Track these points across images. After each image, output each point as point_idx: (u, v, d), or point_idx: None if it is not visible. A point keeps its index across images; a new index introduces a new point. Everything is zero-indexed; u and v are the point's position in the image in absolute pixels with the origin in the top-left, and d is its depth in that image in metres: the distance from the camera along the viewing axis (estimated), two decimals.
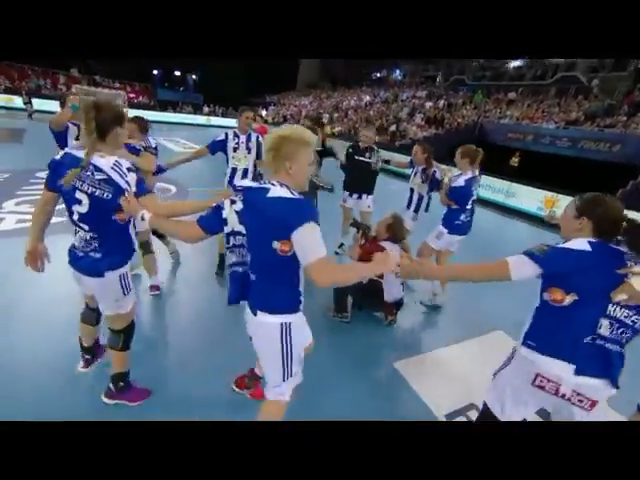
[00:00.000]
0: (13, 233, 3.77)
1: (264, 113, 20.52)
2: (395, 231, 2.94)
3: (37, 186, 5.47)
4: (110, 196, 1.50)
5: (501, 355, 1.57)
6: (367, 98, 21.90)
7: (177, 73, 25.98)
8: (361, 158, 3.81)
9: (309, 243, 1.20)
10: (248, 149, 3.22)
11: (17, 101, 16.14)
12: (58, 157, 1.54)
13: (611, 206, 1.30)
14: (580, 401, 1.28)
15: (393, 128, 15.74)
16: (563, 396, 1.29)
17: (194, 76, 25.67)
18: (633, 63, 13.88)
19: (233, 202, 1.40)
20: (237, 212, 1.39)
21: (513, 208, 8.52)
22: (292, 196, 1.26)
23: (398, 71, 25.63)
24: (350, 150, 3.92)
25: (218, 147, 3.22)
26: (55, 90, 19.47)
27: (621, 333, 1.26)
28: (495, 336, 3.07)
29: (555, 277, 1.27)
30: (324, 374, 2.36)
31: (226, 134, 3.22)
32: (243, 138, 3.21)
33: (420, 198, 3.60)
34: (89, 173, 1.48)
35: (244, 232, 1.41)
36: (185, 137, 14.20)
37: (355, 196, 4.01)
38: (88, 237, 1.60)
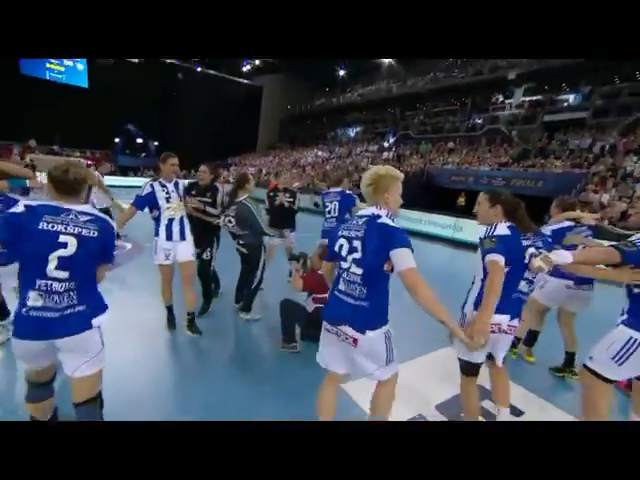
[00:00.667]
0: None
1: (225, 173, 21.30)
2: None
3: None
4: (96, 234, 1.50)
5: (450, 370, 1.73)
6: (323, 154, 23.53)
7: (139, 140, 26.73)
8: (278, 199, 4.30)
9: (406, 257, 1.49)
10: (180, 196, 3.05)
11: None
12: (19, 210, 1.42)
13: (508, 195, 1.93)
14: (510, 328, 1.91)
15: (355, 177, 16.84)
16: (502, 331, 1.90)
17: (156, 142, 26.49)
18: (540, 117, 16.45)
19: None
20: (346, 237, 1.65)
21: (461, 241, 9.13)
22: (394, 225, 1.56)
23: (351, 130, 28.07)
24: (271, 193, 4.41)
25: (146, 202, 2.92)
26: (9, 160, 19.18)
27: (529, 288, 2.04)
28: (443, 353, 3.12)
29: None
30: (271, 400, 2.28)
31: (152, 186, 2.93)
32: (171, 186, 3.00)
33: None
34: (72, 216, 1.47)
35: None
36: None
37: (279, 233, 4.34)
38: (62, 289, 1.45)
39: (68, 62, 23.53)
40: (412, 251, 1.51)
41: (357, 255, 1.58)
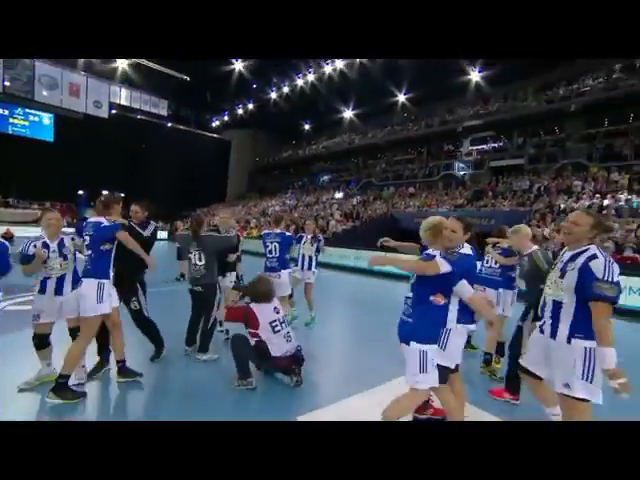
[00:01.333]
0: None
1: (179, 224, 21.00)
2: (253, 291, 3.12)
3: None
4: None
5: None
6: (291, 202, 24.26)
7: (105, 191, 26.40)
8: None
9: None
10: (63, 256, 2.75)
11: None
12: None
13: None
14: None
15: (321, 223, 17.36)
16: None
17: (122, 194, 26.20)
18: (487, 163, 18.33)
19: None
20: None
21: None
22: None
23: (318, 178, 29.39)
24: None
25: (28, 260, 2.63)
26: None
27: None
28: (398, 382, 3.08)
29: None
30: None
31: (35, 246, 2.64)
32: (54, 246, 2.71)
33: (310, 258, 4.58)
34: None
35: None
36: None
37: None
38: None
39: (34, 117, 23.55)
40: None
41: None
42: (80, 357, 2.65)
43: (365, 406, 2.67)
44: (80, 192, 26.03)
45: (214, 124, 32.69)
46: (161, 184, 27.97)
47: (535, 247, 2.84)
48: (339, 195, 22.69)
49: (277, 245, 4.20)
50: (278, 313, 3.03)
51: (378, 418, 2.47)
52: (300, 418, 2.40)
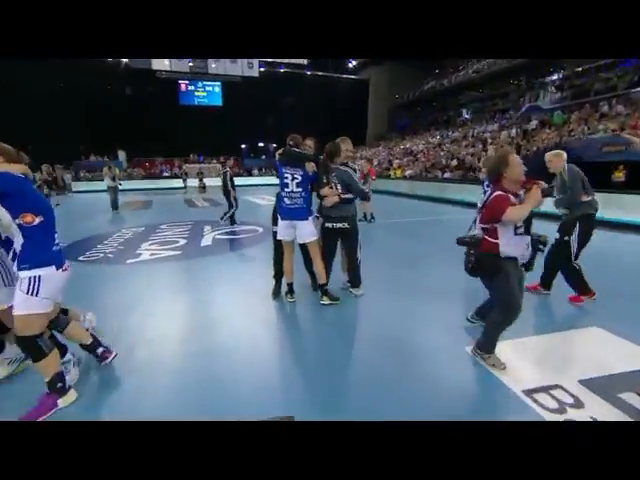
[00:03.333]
0: (149, 262, 4.92)
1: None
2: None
3: (161, 233, 7.02)
4: None
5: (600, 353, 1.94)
6: (435, 140, 22.26)
7: (260, 144, 30.33)
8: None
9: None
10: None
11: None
12: None
13: None
14: None
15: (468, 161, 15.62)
16: None
17: (274, 145, 29.60)
18: None
19: None
20: None
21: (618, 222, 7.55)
22: None
23: (465, 111, 25.77)
24: None
25: None
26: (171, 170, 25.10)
27: None
28: (591, 332, 2.79)
29: None
30: (383, 361, 2.54)
31: None
32: None
33: None
34: None
35: None
36: (268, 193, 16.17)
37: None
38: None
39: (209, 88, 28.21)
40: None
41: None
42: None
43: (542, 347, 2.58)
44: (243, 146, 30.68)
45: (351, 65, 31.96)
46: (302, 131, 30.02)
47: None
48: (492, 127, 19.46)
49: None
50: None
51: (553, 360, 2.39)
52: (468, 349, 2.53)
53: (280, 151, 3.25)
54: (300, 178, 3.14)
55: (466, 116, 25.34)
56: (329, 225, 3.31)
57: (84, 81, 24.82)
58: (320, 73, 31.45)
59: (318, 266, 3.29)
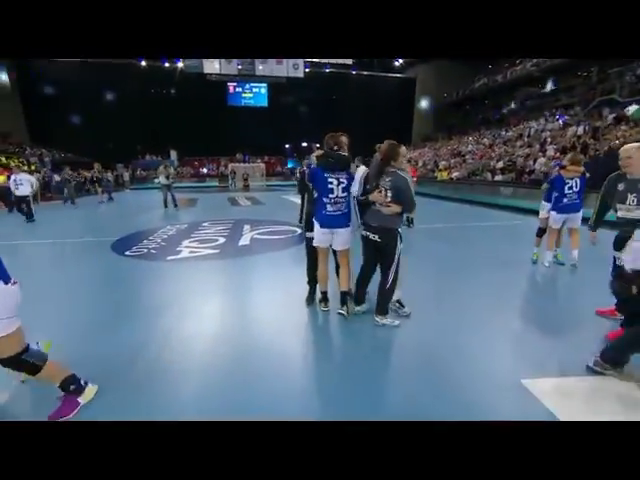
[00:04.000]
0: (188, 260, 5.04)
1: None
2: None
3: (203, 231, 7.22)
4: None
5: None
6: (486, 141, 20.95)
7: (304, 144, 30.69)
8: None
9: None
10: None
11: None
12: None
13: None
14: None
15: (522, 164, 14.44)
16: None
17: (317, 145, 29.73)
18: None
19: None
20: None
21: None
22: None
23: (521, 107, 23.98)
24: None
25: None
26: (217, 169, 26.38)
27: None
28: None
29: None
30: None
31: None
32: None
33: None
34: None
35: None
36: None
37: None
38: None
39: (255, 89, 29.08)
40: None
41: None
42: None
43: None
44: (287, 146, 31.14)
45: (397, 63, 31.16)
46: (350, 132, 29.87)
47: None
48: (552, 126, 17.82)
49: None
50: None
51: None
52: (525, 382, 2.20)
53: (318, 153, 3.04)
54: (346, 182, 2.94)
55: (523, 114, 23.56)
56: (364, 233, 2.98)
57: (142, 85, 26.87)
58: (365, 72, 31.06)
59: (343, 272, 3.13)
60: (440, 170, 18.47)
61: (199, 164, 28.56)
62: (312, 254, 3.25)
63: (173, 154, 27.56)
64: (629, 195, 2.60)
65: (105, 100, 26.96)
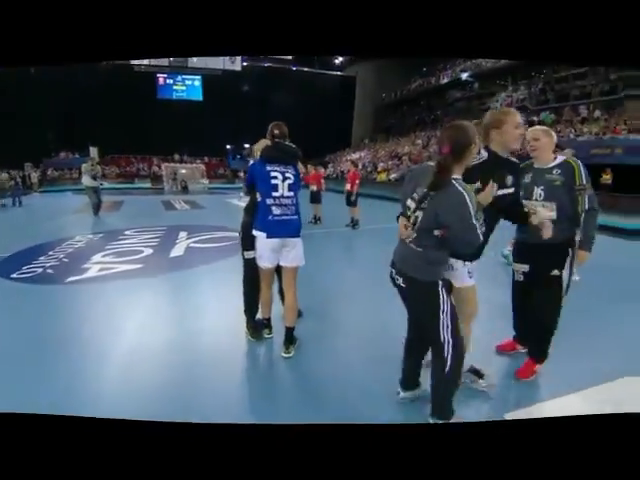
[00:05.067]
0: (96, 280, 4.14)
1: (323, 170, 21.76)
2: None
3: (123, 241, 6.20)
4: None
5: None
6: (420, 142, 21.86)
7: (246, 145, 29.42)
8: None
9: None
10: None
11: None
12: None
13: None
14: None
15: None
16: None
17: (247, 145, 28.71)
18: None
19: None
20: None
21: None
22: None
23: (453, 110, 25.54)
24: None
25: None
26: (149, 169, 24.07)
27: None
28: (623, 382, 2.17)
29: None
30: None
31: None
32: None
33: None
34: None
35: None
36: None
37: None
38: None
39: (188, 82, 27.17)
40: None
41: None
42: None
43: (577, 407, 1.98)
44: (228, 146, 29.56)
45: (337, 60, 31.30)
46: (290, 131, 29.29)
47: None
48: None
49: None
50: None
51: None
52: (507, 416, 1.91)
53: (260, 145, 2.49)
54: (293, 179, 2.42)
55: (454, 115, 25.09)
56: (390, 271, 1.82)
57: (56, 74, 23.35)
58: (306, 69, 30.70)
59: (289, 300, 2.50)
60: (379, 172, 19.02)
61: (126, 163, 25.86)
62: (254, 279, 2.60)
63: (93, 151, 24.20)
64: (535, 188, 2.12)
65: (11, 90, 23.00)
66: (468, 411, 1.89)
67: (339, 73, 31.95)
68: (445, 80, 24.78)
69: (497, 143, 1.83)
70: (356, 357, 2.46)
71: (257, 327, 2.72)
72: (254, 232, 2.43)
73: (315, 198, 8.09)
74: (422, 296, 1.68)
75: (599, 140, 12.43)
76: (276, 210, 2.36)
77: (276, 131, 2.47)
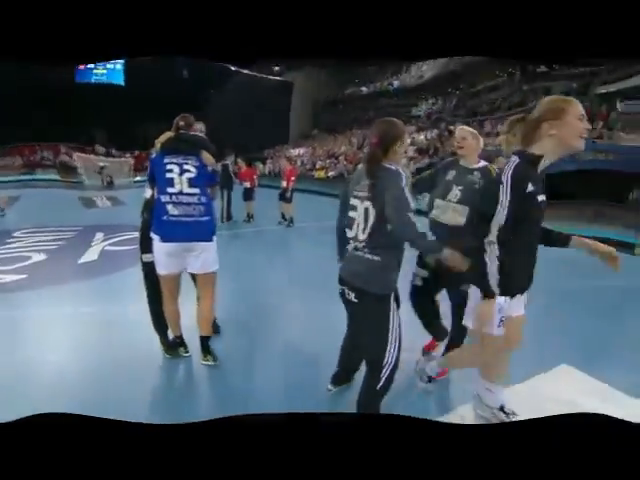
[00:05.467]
0: None
1: (261, 166, 21.24)
2: None
3: (10, 245, 5.26)
4: None
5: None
6: (355, 140, 22.58)
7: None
8: None
9: None
10: None
11: None
12: None
13: None
14: None
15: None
16: None
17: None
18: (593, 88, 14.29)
19: None
20: None
21: None
22: None
23: (386, 113, 26.78)
24: None
25: None
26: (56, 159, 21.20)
27: None
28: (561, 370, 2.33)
29: None
30: None
31: None
32: None
33: None
34: None
35: None
36: None
37: None
38: None
39: (110, 65, 24.65)
40: None
41: None
42: None
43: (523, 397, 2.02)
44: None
45: (276, 68, 30.98)
46: (227, 129, 28.06)
47: None
48: (410, 129, 20.35)
49: None
50: None
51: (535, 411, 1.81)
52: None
53: (164, 137, 2.20)
54: (195, 172, 2.13)
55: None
56: (341, 289, 1.72)
57: None
58: (245, 71, 29.70)
59: (204, 307, 2.30)
60: (317, 169, 19.40)
61: (30, 152, 22.34)
62: (155, 286, 2.32)
63: None
64: (454, 187, 2.04)
65: None
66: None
67: (278, 78, 31.50)
68: (375, 90, 26.23)
69: (551, 141, 1.42)
70: (282, 376, 2.29)
71: (170, 345, 2.46)
72: (151, 234, 2.16)
73: (248, 195, 7.81)
74: (373, 312, 1.61)
75: (498, 151, 13.99)
76: (173, 210, 2.09)
77: (181, 122, 2.24)
